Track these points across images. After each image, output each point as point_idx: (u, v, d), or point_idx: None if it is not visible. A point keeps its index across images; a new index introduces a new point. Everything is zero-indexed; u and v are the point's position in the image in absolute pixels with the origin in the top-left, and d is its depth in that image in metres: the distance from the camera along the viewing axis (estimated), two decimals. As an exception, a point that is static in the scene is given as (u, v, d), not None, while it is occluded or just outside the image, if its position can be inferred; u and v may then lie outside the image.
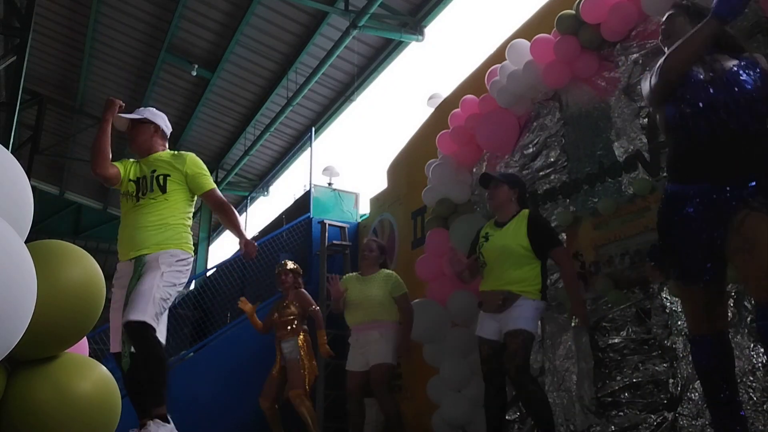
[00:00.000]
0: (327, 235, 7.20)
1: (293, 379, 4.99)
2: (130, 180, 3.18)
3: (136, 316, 2.75)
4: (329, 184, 8.61)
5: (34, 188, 1.56)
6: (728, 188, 2.10)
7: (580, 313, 3.48)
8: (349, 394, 4.33)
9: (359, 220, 7.86)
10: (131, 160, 3.33)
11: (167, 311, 3.01)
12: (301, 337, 5.13)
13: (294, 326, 5.14)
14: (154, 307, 2.81)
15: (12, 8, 7.42)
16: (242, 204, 13.16)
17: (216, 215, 3.39)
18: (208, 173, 3.29)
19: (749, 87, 2.14)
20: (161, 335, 2.94)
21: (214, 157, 13.06)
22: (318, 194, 8.05)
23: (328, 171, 9.06)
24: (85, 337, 1.93)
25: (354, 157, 27.97)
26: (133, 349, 2.82)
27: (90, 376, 1.61)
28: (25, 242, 1.37)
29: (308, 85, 9.66)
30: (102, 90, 11.64)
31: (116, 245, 3.17)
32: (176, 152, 3.31)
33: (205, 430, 5.77)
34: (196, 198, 3.28)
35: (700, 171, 2.17)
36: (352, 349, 4.35)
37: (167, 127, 3.45)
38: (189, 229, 3.21)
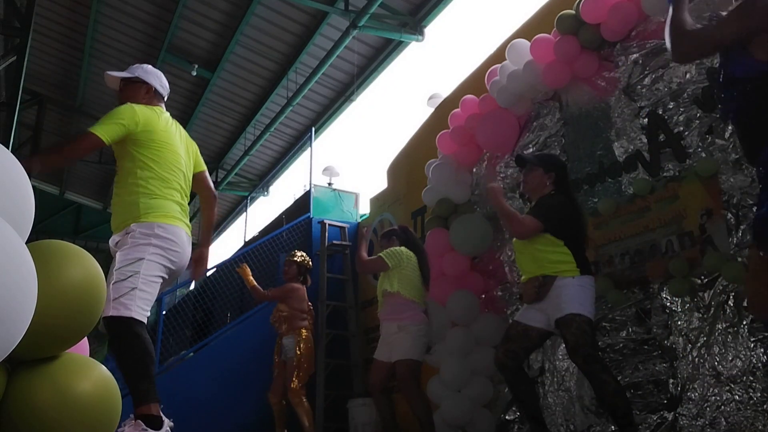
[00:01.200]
0: (327, 235, 7.20)
1: (291, 375, 5.02)
2: None
3: (103, 313, 2.37)
4: (329, 184, 8.61)
5: (34, 188, 1.55)
6: None
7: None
8: (371, 384, 4.23)
9: (359, 220, 7.86)
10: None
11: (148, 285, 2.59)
12: (302, 334, 5.13)
13: (292, 321, 5.17)
14: (111, 295, 2.46)
15: (12, 8, 7.42)
16: (242, 204, 13.16)
17: (203, 201, 3.15)
18: (107, 116, 2.76)
19: None
20: (143, 305, 2.57)
21: (214, 157, 13.06)
22: (318, 194, 8.05)
23: (328, 171, 9.06)
24: (86, 337, 1.92)
25: (354, 157, 28.00)
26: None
27: (90, 376, 1.61)
28: (25, 242, 1.37)
29: (308, 85, 9.67)
30: (102, 90, 11.63)
31: None
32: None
33: (205, 430, 5.77)
34: (157, 152, 2.79)
35: None
36: (381, 339, 4.28)
37: (162, 87, 3.08)
38: (156, 193, 2.73)
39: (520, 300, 3.50)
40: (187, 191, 2.95)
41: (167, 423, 2.50)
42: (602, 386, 2.94)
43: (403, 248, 4.29)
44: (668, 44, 2.18)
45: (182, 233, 2.77)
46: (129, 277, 2.55)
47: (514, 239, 3.44)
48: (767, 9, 2.00)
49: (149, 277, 2.60)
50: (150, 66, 3.11)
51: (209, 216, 3.20)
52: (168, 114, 3.03)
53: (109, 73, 3.00)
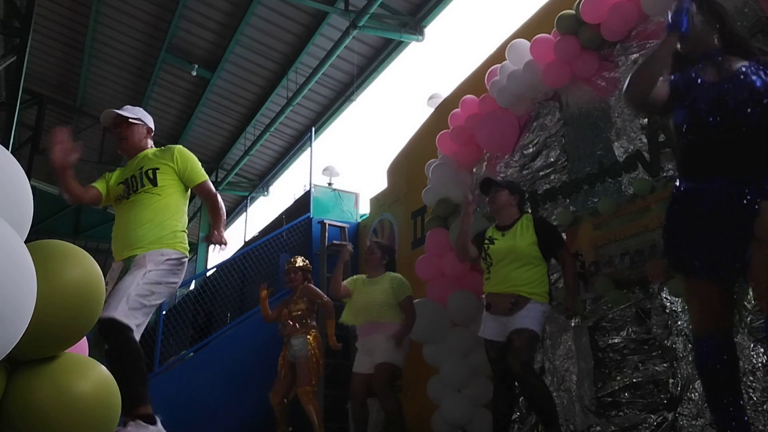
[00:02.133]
0: (327, 235, 7.20)
1: (302, 377, 4.98)
2: (119, 184, 3.13)
3: (106, 313, 2.62)
4: (329, 184, 8.61)
5: (34, 188, 1.55)
6: (746, 188, 2.07)
7: (571, 306, 3.56)
8: (353, 395, 4.35)
9: (359, 220, 7.86)
10: (111, 172, 3.28)
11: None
12: (312, 334, 5.12)
13: (303, 322, 5.13)
14: (127, 303, 2.71)
15: (12, 8, 7.42)
16: (242, 204, 13.16)
17: (206, 206, 3.33)
18: (198, 163, 3.21)
19: (760, 86, 2.13)
20: (139, 322, 2.84)
21: (214, 157, 13.06)
22: (318, 194, 8.05)
23: (328, 171, 9.06)
24: (85, 337, 1.92)
25: (354, 157, 28.00)
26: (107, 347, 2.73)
27: (90, 376, 1.61)
28: (25, 242, 1.36)
29: (308, 85, 9.67)
30: (102, 90, 11.65)
31: None
32: (161, 147, 3.22)
33: (205, 430, 5.77)
34: (189, 192, 3.21)
35: (716, 170, 2.15)
36: (358, 353, 4.40)
37: (153, 127, 3.40)
38: (184, 227, 3.12)
39: (487, 308, 3.57)
40: None
41: (158, 419, 2.65)
42: (533, 390, 3.29)
43: (359, 277, 4.55)
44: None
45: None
46: (147, 295, 2.81)
47: (497, 250, 3.58)
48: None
49: (157, 302, 2.89)
50: (142, 109, 3.40)
51: (218, 215, 3.31)
52: None
53: (113, 111, 3.24)
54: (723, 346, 2.15)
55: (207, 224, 13.66)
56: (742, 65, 2.21)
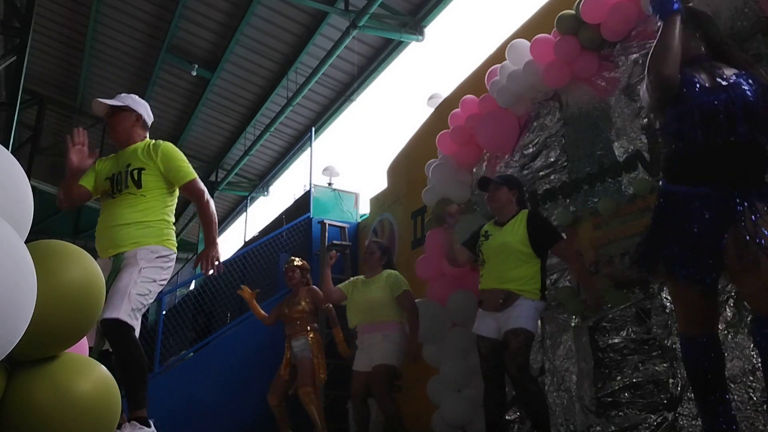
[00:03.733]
0: (327, 235, 7.20)
1: (304, 377, 4.98)
2: (106, 179, 3.07)
3: (110, 313, 2.62)
4: (329, 184, 8.61)
5: (34, 188, 1.55)
6: (733, 193, 2.10)
7: (595, 300, 3.55)
8: (353, 394, 4.35)
9: (359, 220, 7.86)
10: (104, 158, 3.20)
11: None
12: (312, 335, 5.12)
13: (304, 323, 5.13)
14: (129, 303, 2.69)
15: (12, 8, 7.42)
16: (242, 204, 13.15)
17: (195, 205, 3.17)
18: (185, 162, 3.08)
19: (750, 95, 2.14)
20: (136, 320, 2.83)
21: (214, 157, 13.06)
22: (318, 194, 8.05)
23: (328, 171, 9.06)
24: (85, 337, 1.92)
25: (354, 157, 28.01)
26: (106, 347, 2.74)
27: (90, 376, 1.61)
28: (25, 242, 1.37)
29: (308, 85, 9.67)
30: (102, 90, 11.64)
31: None
32: (153, 142, 3.11)
33: (205, 430, 5.77)
34: (177, 190, 3.11)
35: (702, 175, 2.17)
36: (358, 351, 4.41)
37: (149, 117, 3.25)
38: (171, 224, 3.05)
39: (479, 305, 3.57)
40: None
41: (152, 422, 2.68)
42: (529, 395, 3.28)
43: (358, 278, 4.58)
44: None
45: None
46: (145, 294, 2.79)
47: (490, 246, 3.55)
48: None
49: (151, 301, 2.87)
50: (137, 96, 3.28)
51: (208, 217, 3.18)
52: None
53: (99, 100, 3.13)
54: (709, 345, 2.19)
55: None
56: (733, 74, 2.21)
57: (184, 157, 3.11)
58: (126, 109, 3.14)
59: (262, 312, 5.34)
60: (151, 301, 2.86)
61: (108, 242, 2.94)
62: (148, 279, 2.81)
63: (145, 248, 2.87)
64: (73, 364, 1.61)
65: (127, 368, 2.63)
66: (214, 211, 3.13)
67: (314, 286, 5.30)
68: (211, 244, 3.02)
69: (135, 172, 2.98)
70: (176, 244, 3.06)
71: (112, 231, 2.94)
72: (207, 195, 3.10)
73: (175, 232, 3.13)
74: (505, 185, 3.67)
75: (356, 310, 4.41)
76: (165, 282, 2.95)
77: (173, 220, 3.09)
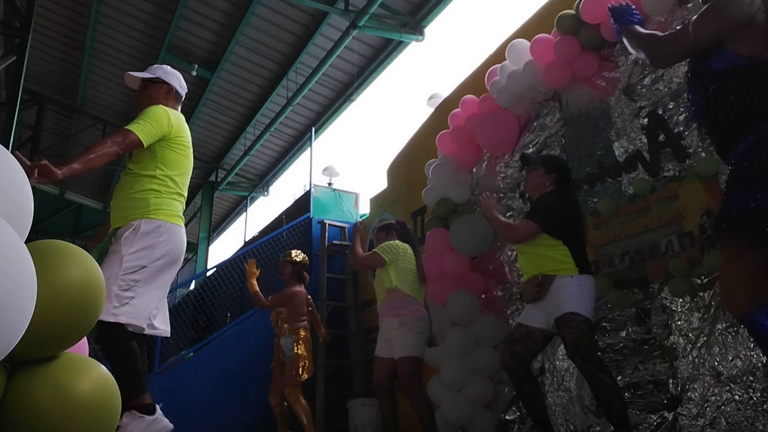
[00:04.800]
0: (327, 235, 7.21)
1: (288, 377, 5.02)
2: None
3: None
4: (329, 184, 8.62)
5: (34, 188, 1.55)
6: None
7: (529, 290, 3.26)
8: (376, 383, 4.13)
9: (359, 220, 7.86)
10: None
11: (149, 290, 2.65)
12: (302, 334, 5.12)
13: (291, 322, 5.15)
14: (110, 302, 2.48)
15: (12, 8, 7.43)
16: (242, 204, 13.15)
17: None
18: (144, 119, 2.75)
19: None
20: (160, 315, 2.70)
21: (214, 157, 13.06)
22: (318, 194, 8.05)
23: (328, 171, 9.07)
24: (85, 337, 1.92)
25: (354, 157, 28.02)
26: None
27: (90, 376, 1.61)
28: (25, 242, 1.37)
29: (308, 85, 9.67)
30: (102, 90, 11.65)
31: None
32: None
33: (205, 430, 5.77)
34: (181, 160, 2.87)
35: None
36: (379, 335, 4.19)
37: (182, 87, 3.08)
38: (163, 193, 2.77)
39: (520, 300, 3.50)
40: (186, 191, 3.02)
41: (158, 407, 2.57)
42: (599, 385, 2.96)
43: (398, 242, 4.19)
44: (644, 54, 2.32)
45: (182, 231, 2.84)
46: (131, 287, 2.59)
47: None
48: (737, 8, 2.05)
49: (150, 283, 2.65)
50: (169, 67, 3.10)
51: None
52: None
53: (130, 73, 3.01)
54: None
55: (207, 224, 13.67)
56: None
57: (153, 117, 2.78)
58: (157, 81, 3.00)
59: (259, 293, 5.23)
60: (147, 278, 2.63)
61: (111, 221, 2.82)
62: (132, 268, 2.59)
63: (129, 227, 2.66)
64: (73, 364, 1.61)
65: (116, 364, 2.53)
66: (105, 152, 2.62)
67: (297, 289, 5.28)
68: (65, 166, 2.56)
69: None
70: (176, 213, 2.80)
71: (111, 210, 2.83)
72: (117, 143, 2.66)
73: (183, 201, 2.89)
74: (543, 166, 3.38)
75: (376, 291, 4.29)
76: (163, 256, 2.69)
77: (175, 189, 2.83)
